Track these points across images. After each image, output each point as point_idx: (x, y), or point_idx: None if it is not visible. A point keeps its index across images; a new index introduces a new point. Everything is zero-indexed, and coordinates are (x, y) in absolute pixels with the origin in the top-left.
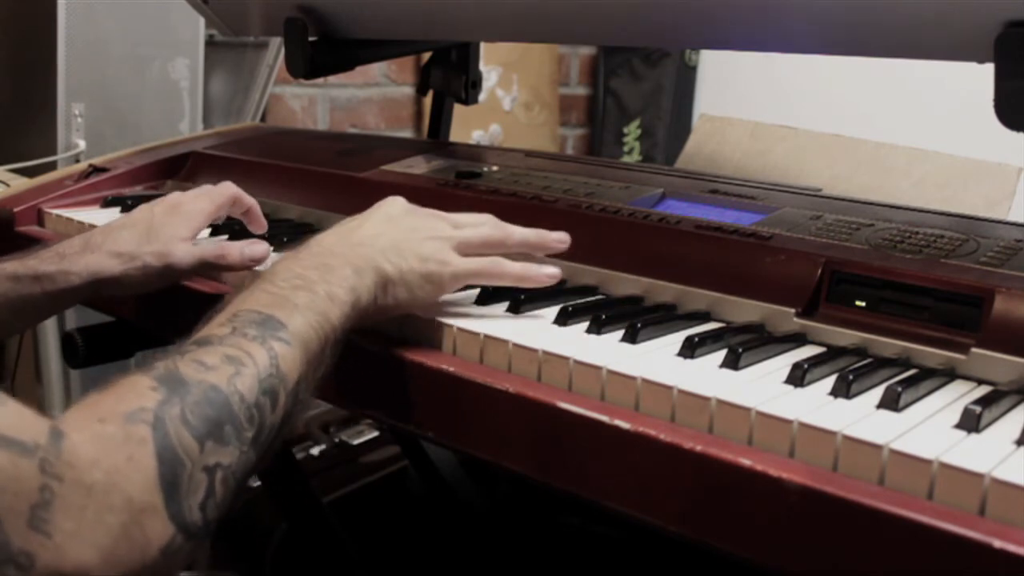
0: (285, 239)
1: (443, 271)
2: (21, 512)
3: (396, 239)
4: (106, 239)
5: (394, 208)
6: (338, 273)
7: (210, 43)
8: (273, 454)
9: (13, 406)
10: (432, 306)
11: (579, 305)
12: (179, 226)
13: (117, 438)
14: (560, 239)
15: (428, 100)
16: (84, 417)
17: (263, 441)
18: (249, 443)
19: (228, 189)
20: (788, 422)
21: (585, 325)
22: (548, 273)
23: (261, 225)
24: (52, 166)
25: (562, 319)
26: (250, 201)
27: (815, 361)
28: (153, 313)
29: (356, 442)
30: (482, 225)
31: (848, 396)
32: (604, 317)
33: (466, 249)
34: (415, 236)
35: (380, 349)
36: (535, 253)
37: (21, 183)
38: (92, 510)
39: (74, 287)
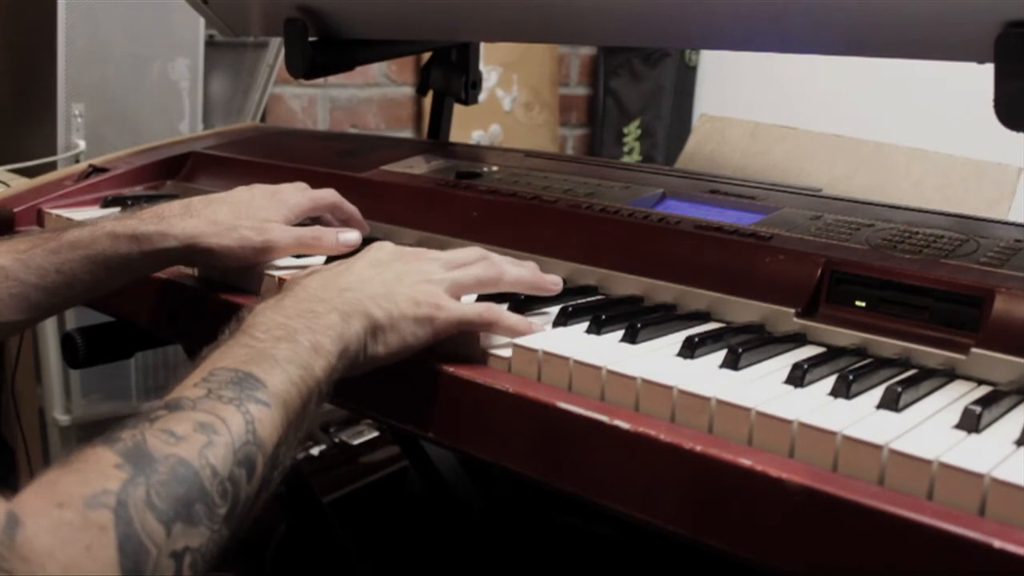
0: None
1: (437, 315)
2: None
3: (386, 283)
4: (206, 208)
5: (382, 253)
6: (324, 320)
7: (210, 43)
8: (247, 524)
9: None
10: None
11: (579, 305)
12: (277, 210)
13: (75, 525)
14: (554, 281)
15: (428, 100)
16: (42, 500)
17: (238, 515)
18: (221, 520)
19: (330, 195)
20: (788, 422)
21: (585, 325)
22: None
23: (364, 230)
24: (52, 166)
25: (562, 319)
26: (351, 209)
27: (815, 361)
28: (153, 313)
29: (356, 442)
30: (474, 264)
31: (848, 396)
32: (604, 317)
33: (459, 291)
34: (406, 280)
35: None
36: (528, 292)
37: (21, 183)
38: None
39: (170, 249)
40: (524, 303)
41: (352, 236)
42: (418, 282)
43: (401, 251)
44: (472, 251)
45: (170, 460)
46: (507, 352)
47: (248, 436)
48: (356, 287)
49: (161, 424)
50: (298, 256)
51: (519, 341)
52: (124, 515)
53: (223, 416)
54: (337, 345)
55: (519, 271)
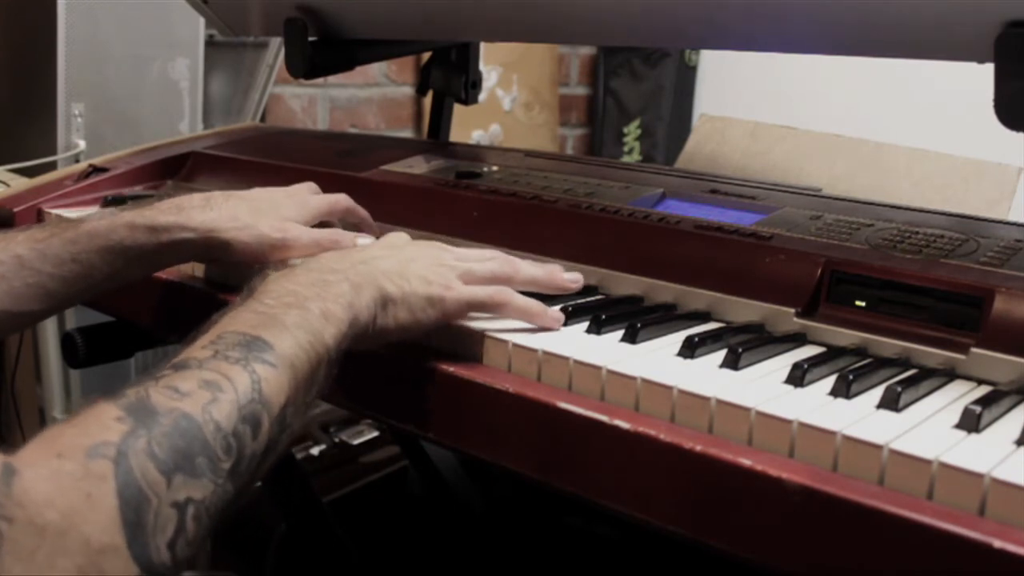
0: None
1: (447, 295)
2: None
3: (400, 262)
4: (226, 202)
5: (397, 239)
6: (334, 289)
7: (210, 43)
8: (256, 482)
9: None
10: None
11: (579, 305)
12: (295, 211)
13: (75, 475)
14: (573, 279)
15: (428, 100)
16: (42, 452)
17: (242, 471)
18: (226, 475)
19: (344, 199)
20: (788, 422)
21: (585, 325)
22: (554, 316)
23: (374, 234)
24: (52, 166)
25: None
26: (364, 214)
27: (815, 361)
28: (153, 313)
29: (356, 442)
30: (489, 260)
31: (848, 396)
32: (604, 317)
33: (471, 280)
34: (420, 262)
35: (379, 349)
36: (543, 291)
37: (21, 183)
38: (44, 553)
39: (187, 240)
40: None
41: (369, 241)
42: (431, 264)
43: (416, 241)
44: (487, 251)
45: (173, 414)
46: (507, 336)
47: (254, 395)
48: (370, 262)
49: (166, 381)
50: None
51: (519, 341)
52: (124, 464)
53: (229, 375)
54: (347, 313)
55: (534, 269)
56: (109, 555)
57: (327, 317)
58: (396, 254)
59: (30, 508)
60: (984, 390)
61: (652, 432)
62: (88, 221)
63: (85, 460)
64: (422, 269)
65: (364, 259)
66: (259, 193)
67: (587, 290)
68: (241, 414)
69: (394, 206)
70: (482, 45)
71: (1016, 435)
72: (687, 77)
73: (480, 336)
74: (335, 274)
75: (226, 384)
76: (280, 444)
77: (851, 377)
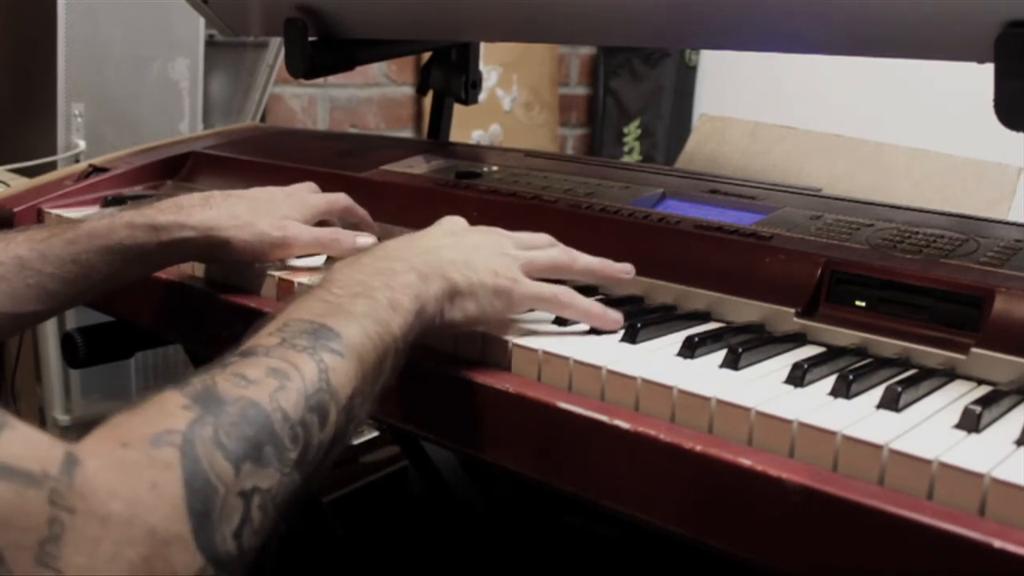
0: None
1: (514, 288)
2: (27, 548)
3: (465, 251)
4: (225, 201)
5: (455, 225)
6: (402, 279)
7: (210, 43)
8: (323, 473)
9: (22, 431)
10: (502, 325)
11: None
12: (295, 209)
13: (140, 464)
14: (625, 270)
15: (428, 100)
16: (106, 441)
17: (310, 461)
18: (292, 464)
19: (343, 198)
20: (788, 422)
21: (585, 325)
22: (615, 318)
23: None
24: (52, 166)
25: (562, 319)
26: (363, 213)
27: (815, 361)
28: (153, 313)
29: (356, 442)
30: (549, 247)
31: (848, 396)
32: None
33: (533, 270)
34: (484, 250)
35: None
36: (599, 283)
37: (21, 183)
38: (108, 543)
39: (187, 239)
40: None
41: (369, 240)
42: (495, 254)
43: (474, 226)
44: (543, 236)
45: (240, 402)
46: (507, 336)
47: (321, 384)
48: (435, 251)
49: (233, 369)
50: (299, 256)
51: (519, 341)
52: (191, 453)
53: (296, 363)
54: (414, 304)
55: (591, 259)
56: (175, 545)
57: (394, 307)
58: (459, 242)
59: (92, 499)
60: (984, 390)
61: (652, 432)
62: (88, 221)
63: (150, 449)
64: (487, 259)
65: (428, 247)
66: (258, 192)
67: (587, 290)
68: (308, 403)
69: (394, 206)
70: (482, 45)
71: (1016, 435)
72: (687, 77)
73: (480, 336)
74: (401, 263)
75: (293, 372)
76: (347, 435)
77: (851, 377)
